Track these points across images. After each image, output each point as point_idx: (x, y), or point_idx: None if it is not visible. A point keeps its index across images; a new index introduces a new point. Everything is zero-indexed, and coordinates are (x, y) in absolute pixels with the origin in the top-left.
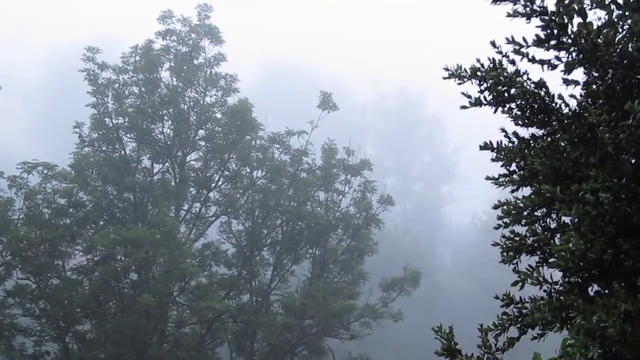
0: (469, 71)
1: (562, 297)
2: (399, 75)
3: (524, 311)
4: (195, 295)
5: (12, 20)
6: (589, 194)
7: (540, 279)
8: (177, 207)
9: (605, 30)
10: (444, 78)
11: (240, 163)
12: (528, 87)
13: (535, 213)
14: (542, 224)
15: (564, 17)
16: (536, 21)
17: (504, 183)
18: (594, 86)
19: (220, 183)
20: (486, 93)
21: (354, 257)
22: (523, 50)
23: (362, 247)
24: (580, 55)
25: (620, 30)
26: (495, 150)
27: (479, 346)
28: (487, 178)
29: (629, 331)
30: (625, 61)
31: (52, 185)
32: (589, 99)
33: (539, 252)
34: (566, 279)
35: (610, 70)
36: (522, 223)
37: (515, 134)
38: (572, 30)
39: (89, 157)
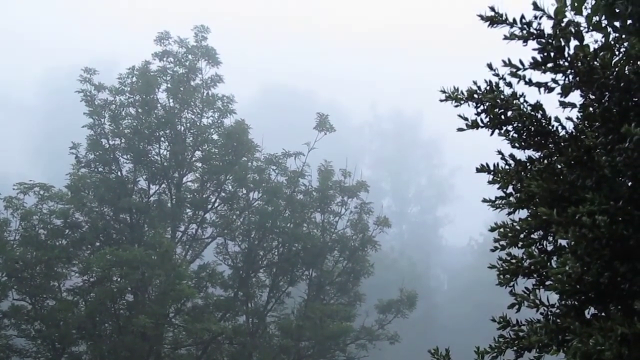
0: (465, 94)
1: (558, 320)
2: (395, 97)
3: (521, 334)
4: (191, 316)
5: (9, 40)
6: (586, 217)
7: (537, 301)
8: (174, 229)
9: (602, 53)
10: (441, 100)
11: (236, 184)
12: (525, 109)
13: (532, 236)
14: (539, 247)
15: (561, 40)
16: (533, 44)
17: (501, 205)
18: (591, 109)
19: (216, 204)
20: (483, 115)
21: (350, 278)
22: (520, 72)
23: (358, 269)
24: (577, 78)
25: (617, 53)
26: (492, 173)
27: None
28: (484, 200)
29: (625, 354)
30: (622, 84)
31: (48, 206)
32: (586, 122)
33: (535, 275)
34: (563, 302)
35: (607, 93)
36: (519, 245)
37: (512, 156)
38: (568, 53)
39: (86, 178)
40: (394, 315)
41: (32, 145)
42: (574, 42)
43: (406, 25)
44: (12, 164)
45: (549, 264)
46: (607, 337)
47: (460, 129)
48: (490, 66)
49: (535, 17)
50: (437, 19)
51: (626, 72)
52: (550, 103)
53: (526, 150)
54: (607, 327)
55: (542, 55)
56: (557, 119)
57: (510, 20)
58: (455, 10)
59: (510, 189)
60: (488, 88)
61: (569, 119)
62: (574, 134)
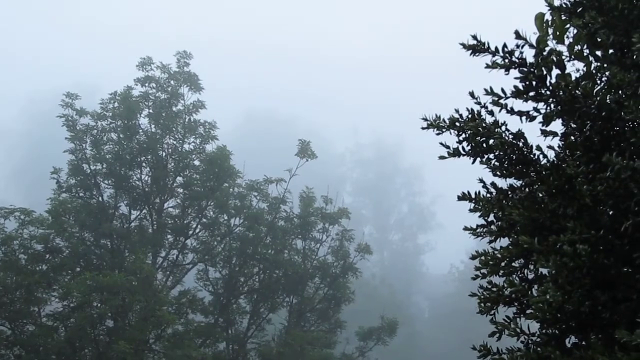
0: (447, 121)
1: (539, 349)
2: (377, 124)
3: None
4: (171, 343)
5: None
6: (567, 246)
7: (518, 330)
8: (154, 254)
9: (583, 82)
10: (423, 128)
11: (218, 210)
12: (506, 138)
13: (513, 264)
14: (520, 275)
15: (543, 68)
16: (515, 72)
17: (482, 233)
18: (572, 138)
19: (197, 230)
20: (464, 143)
21: (331, 305)
22: (502, 101)
23: (339, 296)
24: (559, 107)
25: (599, 82)
26: (474, 201)
27: None
28: (465, 228)
29: None
30: (604, 113)
31: (28, 231)
32: (567, 151)
33: (516, 303)
34: (543, 331)
35: (588, 122)
36: (500, 274)
37: (493, 184)
38: (550, 82)
39: (66, 203)
40: (374, 342)
41: (12, 170)
42: (555, 71)
43: (389, 54)
44: None
45: (529, 292)
46: None
47: (441, 157)
48: (472, 94)
49: (517, 46)
50: (420, 47)
51: (608, 101)
52: (532, 132)
53: (507, 179)
54: (588, 356)
55: (524, 83)
56: (538, 148)
57: (493, 48)
58: (438, 39)
59: (491, 217)
60: (470, 116)
61: (550, 147)
62: (555, 162)
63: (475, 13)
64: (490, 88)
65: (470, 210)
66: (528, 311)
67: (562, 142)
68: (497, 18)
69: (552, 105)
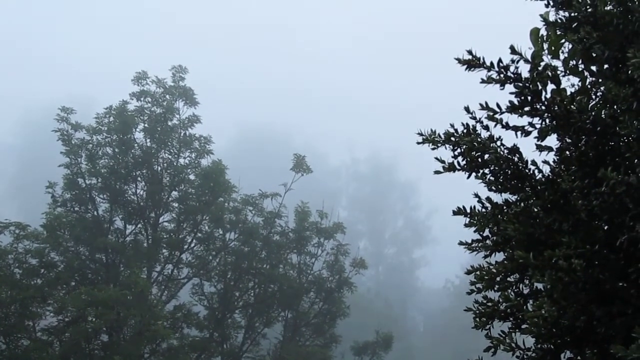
0: (442, 136)
1: None
2: (372, 139)
3: None
4: (166, 357)
5: None
6: (562, 261)
7: (513, 345)
8: (149, 269)
9: (578, 97)
10: (418, 143)
11: (213, 225)
12: (502, 152)
13: (508, 279)
14: (515, 290)
15: (538, 83)
16: (510, 87)
17: (477, 248)
18: (568, 153)
19: (192, 245)
20: (460, 158)
21: (326, 320)
22: (497, 116)
23: (334, 310)
24: (554, 122)
25: (594, 97)
26: (469, 216)
27: None
28: (460, 243)
29: None
30: (599, 128)
31: (23, 245)
32: (563, 166)
33: (511, 318)
34: (539, 346)
35: (583, 137)
36: (495, 289)
37: (488, 199)
38: (545, 97)
39: (62, 217)
40: (369, 357)
41: (8, 184)
42: (550, 86)
43: (382, 69)
44: None
45: (525, 307)
46: None
47: (437, 172)
48: (467, 109)
49: (513, 61)
50: (414, 63)
51: (602, 116)
52: (527, 146)
53: (503, 194)
54: None
55: (519, 98)
56: (533, 163)
57: (488, 63)
58: (431, 55)
59: (486, 232)
60: (465, 131)
61: (545, 162)
62: (550, 177)
63: (471, 32)
64: (486, 103)
65: (466, 225)
66: (523, 326)
67: (558, 157)
68: (496, 34)
69: (547, 120)
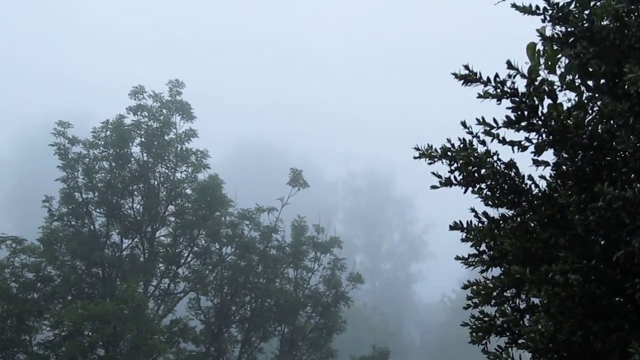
0: (439, 151)
1: None
2: (369, 153)
3: None
4: None
5: None
6: (559, 276)
7: None
8: (146, 283)
9: (575, 112)
10: (415, 158)
11: (209, 239)
12: (498, 167)
13: (505, 294)
14: (512, 305)
15: (535, 98)
16: (507, 102)
17: (474, 263)
18: (564, 167)
19: (189, 259)
20: (456, 173)
21: (323, 334)
22: (493, 131)
23: (331, 325)
24: (551, 137)
25: (590, 112)
26: (465, 230)
27: None
28: (457, 258)
29: None
30: (595, 143)
31: (20, 259)
32: (559, 181)
33: (508, 333)
34: None
35: (580, 152)
36: (492, 303)
37: (485, 214)
38: (542, 112)
39: (58, 231)
40: None
41: (4, 198)
42: (547, 101)
43: (378, 83)
44: None
45: (521, 322)
46: None
47: (433, 187)
48: (464, 124)
49: (509, 76)
50: (411, 79)
51: (599, 131)
52: (524, 161)
53: (499, 208)
54: None
55: (515, 113)
56: (530, 178)
57: (484, 78)
58: (428, 70)
59: (483, 247)
60: (462, 146)
61: (542, 177)
62: (547, 192)
63: (467, 47)
64: (482, 118)
65: (462, 240)
66: (520, 341)
67: (554, 172)
68: (494, 49)
69: (544, 135)
